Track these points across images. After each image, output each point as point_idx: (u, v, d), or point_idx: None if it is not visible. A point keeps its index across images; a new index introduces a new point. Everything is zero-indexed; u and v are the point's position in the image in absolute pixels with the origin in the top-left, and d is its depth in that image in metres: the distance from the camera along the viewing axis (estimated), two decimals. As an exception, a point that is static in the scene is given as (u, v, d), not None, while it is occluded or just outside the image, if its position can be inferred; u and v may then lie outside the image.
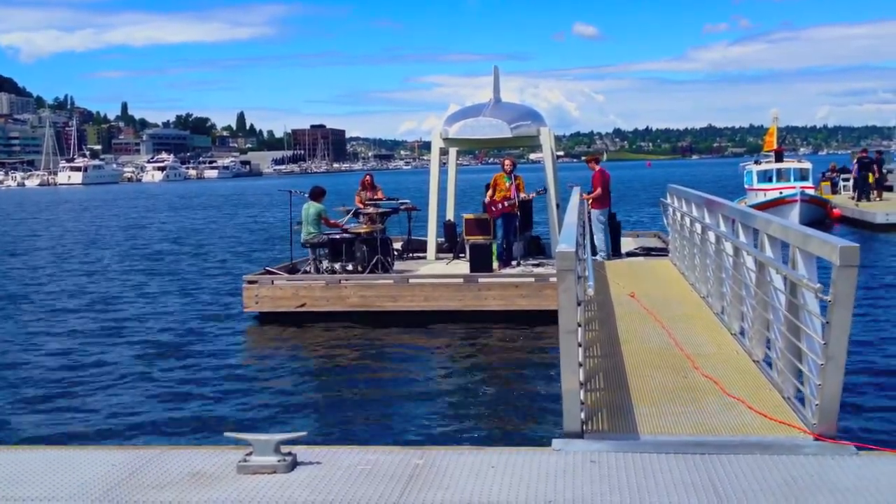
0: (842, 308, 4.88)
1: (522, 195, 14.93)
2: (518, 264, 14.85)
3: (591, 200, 15.38)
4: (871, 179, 31.95)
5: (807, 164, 31.79)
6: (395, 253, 15.88)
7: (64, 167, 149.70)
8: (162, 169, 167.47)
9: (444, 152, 17.55)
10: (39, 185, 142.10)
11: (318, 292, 13.82)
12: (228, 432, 5.55)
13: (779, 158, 32.38)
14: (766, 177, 30.97)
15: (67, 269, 24.02)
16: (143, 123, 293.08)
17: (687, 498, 4.44)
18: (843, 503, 4.37)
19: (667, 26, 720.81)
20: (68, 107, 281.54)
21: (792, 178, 30.00)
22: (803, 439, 5.33)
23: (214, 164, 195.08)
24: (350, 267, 14.47)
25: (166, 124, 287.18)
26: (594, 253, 15.10)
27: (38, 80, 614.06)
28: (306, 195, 15.03)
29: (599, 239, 15.22)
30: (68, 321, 15.51)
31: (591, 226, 14.96)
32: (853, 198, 31.88)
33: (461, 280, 13.72)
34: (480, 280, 13.65)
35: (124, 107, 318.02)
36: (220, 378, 11.02)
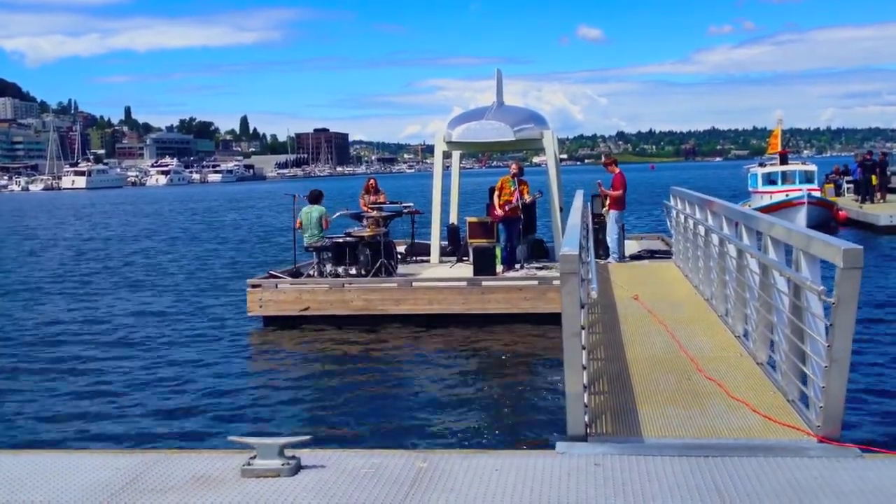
0: (845, 310, 4.88)
1: (526, 198, 14.94)
2: (521, 267, 14.85)
3: (609, 202, 15.33)
4: (874, 181, 31.90)
5: (811, 167, 31.72)
6: (399, 256, 15.90)
7: (68, 171, 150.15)
8: (166, 173, 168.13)
9: (447, 156, 17.54)
10: (43, 189, 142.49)
11: (322, 296, 13.83)
12: (232, 436, 5.56)
13: (783, 161, 32.31)
14: (770, 179, 30.89)
15: (68, 274, 24.06)
16: (147, 128, 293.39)
17: (691, 501, 4.44)
18: (847, 506, 4.35)
19: (671, 29, 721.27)
20: (72, 111, 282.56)
21: (797, 181, 29.90)
22: (807, 442, 5.33)
23: (218, 168, 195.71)
24: (353, 270, 14.47)
25: (170, 129, 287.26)
26: (607, 255, 15.06)
27: (42, 85, 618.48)
28: (305, 197, 15.06)
29: (613, 241, 15.17)
30: (70, 326, 15.54)
31: (596, 228, 14.90)
32: (857, 200, 31.84)
33: (465, 283, 13.72)
34: (484, 283, 13.65)
35: (128, 111, 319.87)
36: (223, 382, 11.04)
